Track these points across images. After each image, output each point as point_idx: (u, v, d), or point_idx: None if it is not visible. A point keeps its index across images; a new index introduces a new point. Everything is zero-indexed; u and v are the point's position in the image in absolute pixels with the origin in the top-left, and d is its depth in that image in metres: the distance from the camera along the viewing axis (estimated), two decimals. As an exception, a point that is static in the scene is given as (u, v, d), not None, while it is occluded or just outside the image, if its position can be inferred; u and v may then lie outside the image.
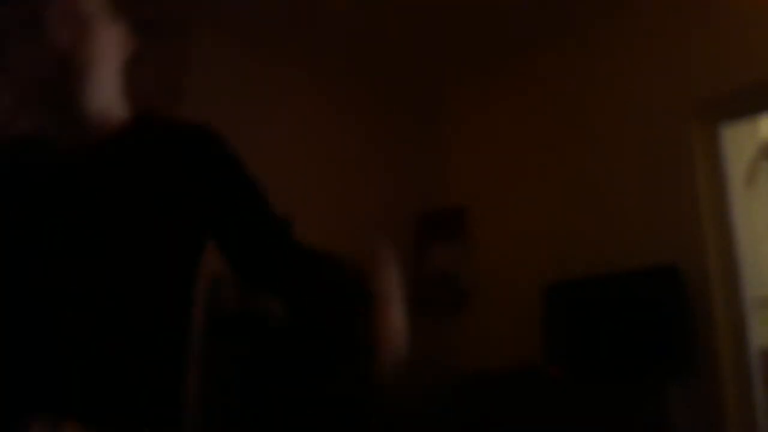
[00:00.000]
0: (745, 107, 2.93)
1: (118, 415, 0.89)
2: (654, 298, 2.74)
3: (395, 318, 0.93)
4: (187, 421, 1.00)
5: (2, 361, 0.90)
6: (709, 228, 2.86)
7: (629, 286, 2.84)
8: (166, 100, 0.89)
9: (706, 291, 2.78)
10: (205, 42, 3.36)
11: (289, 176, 3.58)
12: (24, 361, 0.90)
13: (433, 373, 3.65)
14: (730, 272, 2.79)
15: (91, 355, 0.89)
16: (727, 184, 2.89)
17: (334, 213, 3.69)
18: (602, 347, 2.85)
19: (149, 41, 3.44)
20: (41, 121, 1.02)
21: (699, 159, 2.95)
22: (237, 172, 1.06)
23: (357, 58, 3.77)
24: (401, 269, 1.04)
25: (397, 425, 3.26)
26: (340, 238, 3.64)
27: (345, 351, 0.96)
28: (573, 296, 3.00)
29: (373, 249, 0.99)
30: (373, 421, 3.14)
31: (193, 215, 1.02)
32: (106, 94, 1.02)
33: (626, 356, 2.77)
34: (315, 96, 3.80)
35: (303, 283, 1.04)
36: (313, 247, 1.07)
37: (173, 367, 0.98)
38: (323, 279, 1.02)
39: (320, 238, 4.00)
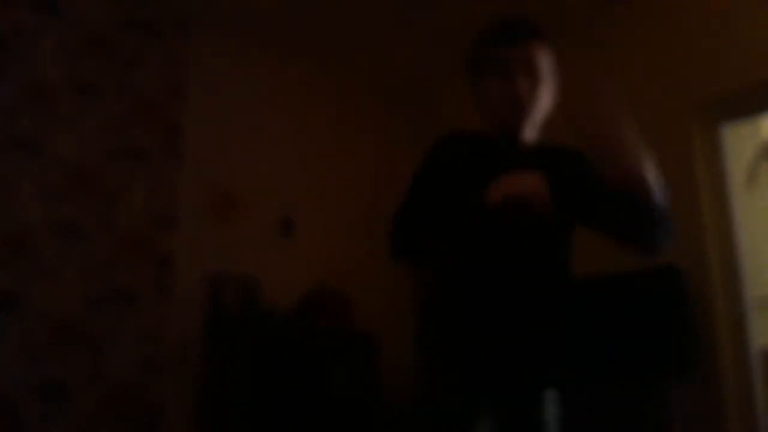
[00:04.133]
0: (745, 107, 2.94)
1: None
2: (655, 298, 2.75)
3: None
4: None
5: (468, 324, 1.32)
6: (709, 228, 2.87)
7: (630, 286, 2.85)
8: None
9: (707, 291, 2.79)
10: (204, 42, 3.37)
11: (289, 176, 3.58)
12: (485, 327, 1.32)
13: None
14: (731, 272, 2.79)
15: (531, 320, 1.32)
16: (727, 184, 2.90)
17: (334, 213, 3.69)
18: (603, 347, 2.85)
19: (150, 41, 3.46)
20: (493, 130, 1.43)
21: (700, 159, 2.95)
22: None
23: (357, 59, 3.78)
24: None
25: (398, 423, 3.27)
26: (340, 238, 3.66)
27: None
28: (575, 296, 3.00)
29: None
30: (373, 419, 3.14)
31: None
32: (533, 131, 1.42)
33: (627, 356, 2.77)
34: (314, 96, 3.81)
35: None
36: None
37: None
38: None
39: (320, 238, 4.01)
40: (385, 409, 3.23)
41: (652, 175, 1.27)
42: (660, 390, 2.57)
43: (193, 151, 3.20)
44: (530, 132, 1.41)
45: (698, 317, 2.76)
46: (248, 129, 3.46)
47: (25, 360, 2.54)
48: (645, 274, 2.80)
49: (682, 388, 2.64)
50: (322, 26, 3.43)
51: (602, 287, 2.95)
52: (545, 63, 1.40)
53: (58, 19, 2.86)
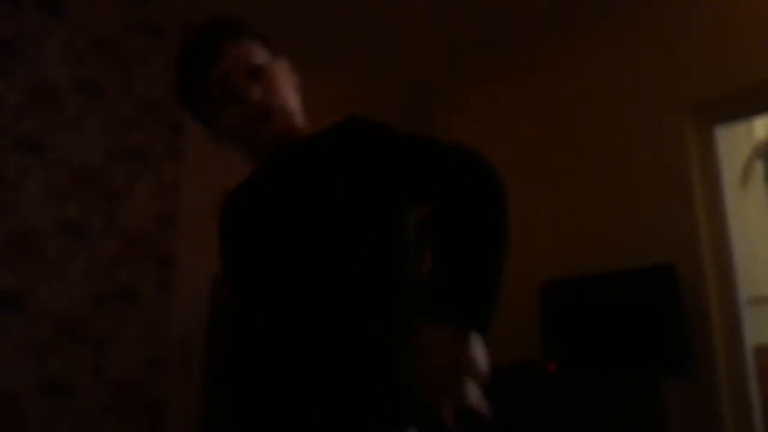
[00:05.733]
0: (739, 109, 2.97)
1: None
2: (650, 297, 2.78)
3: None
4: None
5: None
6: (704, 227, 2.90)
7: (626, 285, 2.88)
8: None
9: (701, 289, 2.82)
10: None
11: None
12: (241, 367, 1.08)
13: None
14: (725, 270, 2.83)
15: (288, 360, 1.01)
16: (722, 185, 2.93)
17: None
18: (599, 344, 2.89)
19: (152, 43, 3.48)
20: (249, 153, 1.22)
21: (695, 159, 2.99)
22: (385, 141, 1.08)
23: (357, 60, 3.81)
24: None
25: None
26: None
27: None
28: (570, 294, 3.04)
29: None
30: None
31: (367, 198, 1.06)
32: (291, 109, 1.17)
33: (622, 353, 2.81)
34: (315, 96, 3.83)
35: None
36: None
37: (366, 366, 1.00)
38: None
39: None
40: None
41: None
42: (655, 387, 2.60)
43: (195, 151, 3.23)
44: (292, 128, 1.17)
45: (692, 315, 2.80)
46: (249, 130, 3.49)
47: (29, 358, 2.57)
48: (640, 272, 2.84)
49: (676, 385, 2.67)
50: (323, 28, 3.46)
51: (599, 285, 2.99)
52: (260, 55, 1.18)
53: (63, 22, 2.90)
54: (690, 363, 2.71)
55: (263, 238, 1.08)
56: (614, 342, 2.84)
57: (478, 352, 0.87)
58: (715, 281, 2.84)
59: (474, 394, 0.85)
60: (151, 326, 2.93)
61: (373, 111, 4.24)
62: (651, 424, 2.57)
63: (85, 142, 2.87)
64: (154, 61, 3.17)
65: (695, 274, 2.83)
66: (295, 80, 1.25)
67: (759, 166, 3.63)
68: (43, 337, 2.62)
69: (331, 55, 3.73)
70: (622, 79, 3.26)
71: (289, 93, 1.18)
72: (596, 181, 3.27)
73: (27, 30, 2.78)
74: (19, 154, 2.67)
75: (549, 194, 3.45)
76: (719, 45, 2.93)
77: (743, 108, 2.96)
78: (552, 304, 3.07)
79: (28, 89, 2.74)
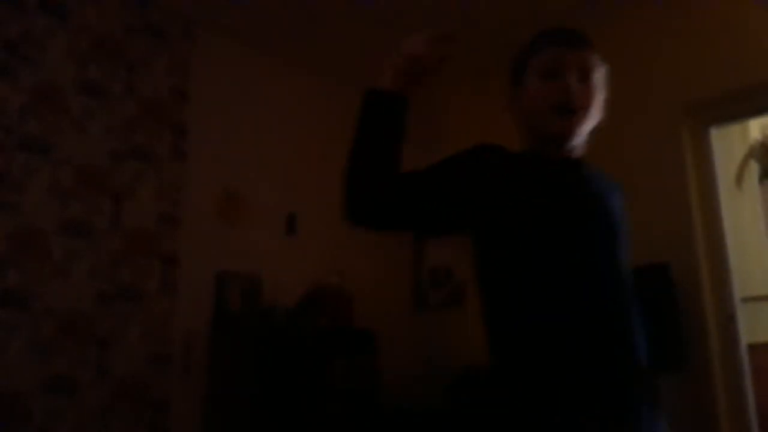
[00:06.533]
0: (734, 110, 3.01)
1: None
2: (646, 296, 2.81)
3: None
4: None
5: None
6: (699, 227, 2.94)
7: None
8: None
9: (697, 289, 2.86)
10: (208, 45, 3.42)
11: (292, 175, 3.64)
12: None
13: (430, 368, 3.72)
14: (720, 270, 2.86)
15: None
16: (716, 185, 2.97)
17: (335, 213, 3.74)
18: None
19: (155, 45, 3.50)
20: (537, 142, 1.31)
21: (690, 160, 3.02)
22: None
23: (356, 61, 3.83)
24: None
25: (397, 419, 3.33)
26: (341, 238, 3.72)
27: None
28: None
29: None
30: (373, 415, 3.20)
31: None
32: (580, 140, 1.29)
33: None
34: (315, 97, 3.86)
35: None
36: None
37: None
38: None
39: (321, 237, 4.04)
40: (382, 401, 3.29)
41: None
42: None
43: (198, 152, 3.26)
44: (578, 148, 1.29)
45: (688, 314, 2.83)
46: (251, 130, 3.52)
47: (34, 356, 2.59)
48: (635, 271, 2.87)
49: (672, 384, 2.71)
50: (324, 29, 3.48)
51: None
52: (600, 76, 1.26)
53: (66, 23, 2.92)
54: (685, 361, 2.74)
55: (611, 235, 1.26)
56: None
57: None
58: (710, 281, 2.87)
59: None
60: (154, 325, 2.96)
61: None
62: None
63: (89, 142, 2.90)
64: (157, 62, 3.20)
65: (690, 274, 2.86)
66: (601, 110, 1.31)
67: (753, 167, 3.67)
68: (47, 336, 2.64)
69: (331, 55, 3.75)
70: (618, 80, 3.27)
71: (591, 120, 1.27)
72: (593, 181, 3.29)
73: (31, 31, 2.80)
74: (23, 155, 2.69)
75: (547, 194, 3.48)
76: (714, 47, 2.96)
77: (738, 109, 3.00)
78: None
79: (32, 90, 2.76)
